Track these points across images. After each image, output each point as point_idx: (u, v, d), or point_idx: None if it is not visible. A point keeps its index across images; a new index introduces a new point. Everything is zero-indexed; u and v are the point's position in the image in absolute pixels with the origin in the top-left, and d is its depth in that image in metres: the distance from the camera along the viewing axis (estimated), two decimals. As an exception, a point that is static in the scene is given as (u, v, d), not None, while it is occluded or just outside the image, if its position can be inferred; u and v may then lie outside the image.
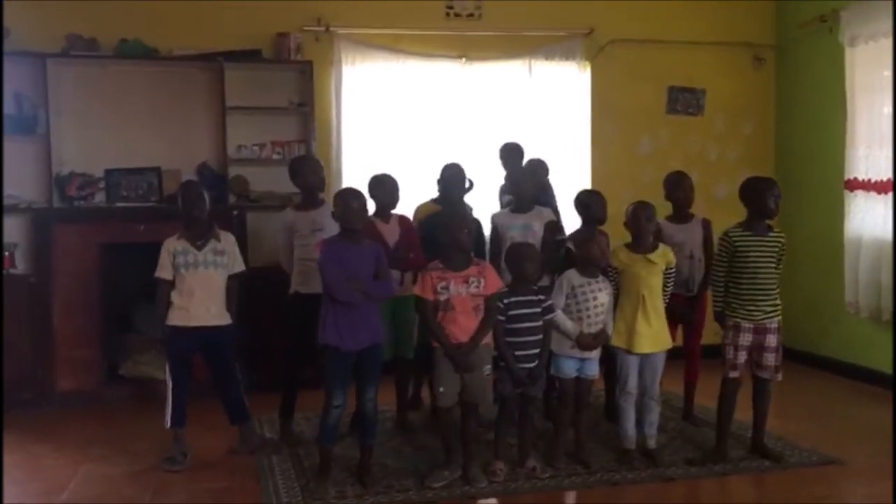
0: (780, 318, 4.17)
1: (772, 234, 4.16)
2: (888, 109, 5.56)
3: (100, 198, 5.63)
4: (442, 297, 3.84)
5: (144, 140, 5.77)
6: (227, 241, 4.36)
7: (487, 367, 3.93)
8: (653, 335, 4.14)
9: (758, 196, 4.12)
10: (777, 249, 4.15)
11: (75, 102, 5.64)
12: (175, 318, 4.22)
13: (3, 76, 5.14)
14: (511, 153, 5.34)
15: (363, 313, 3.86)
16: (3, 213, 5.17)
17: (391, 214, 4.59)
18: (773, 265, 4.14)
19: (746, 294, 4.13)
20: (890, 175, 5.48)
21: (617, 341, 4.17)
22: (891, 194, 5.47)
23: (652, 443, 4.25)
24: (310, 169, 4.60)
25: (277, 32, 5.89)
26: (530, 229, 4.61)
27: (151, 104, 5.79)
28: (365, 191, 4.55)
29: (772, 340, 4.14)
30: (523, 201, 4.70)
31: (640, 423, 4.25)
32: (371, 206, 4.56)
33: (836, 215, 5.92)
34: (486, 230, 4.83)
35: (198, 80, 5.85)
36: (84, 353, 5.38)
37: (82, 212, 5.47)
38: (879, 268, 5.53)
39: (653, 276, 4.16)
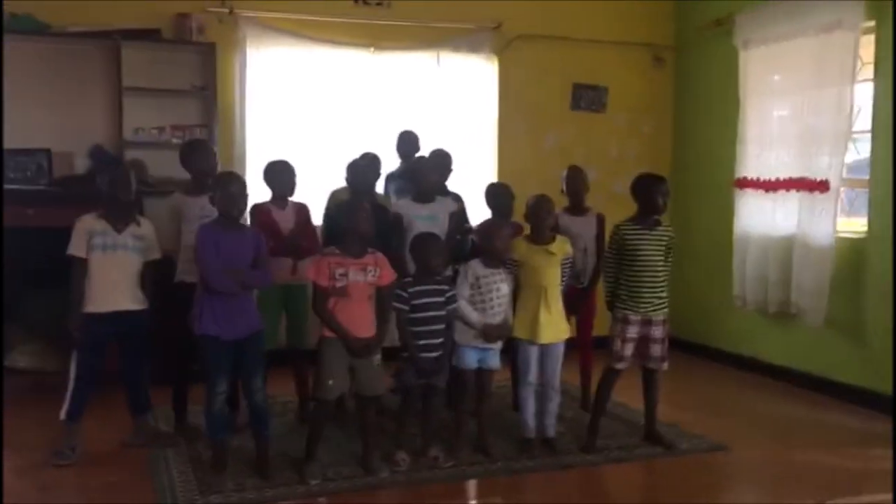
0: (666, 310, 4.32)
1: (660, 228, 4.30)
2: (777, 113, 5.83)
3: (-17, 179, 5.33)
4: (339, 284, 3.79)
5: (34, 120, 5.49)
6: (147, 226, 4.23)
7: (377, 357, 3.91)
8: (554, 325, 4.22)
9: (647, 192, 4.26)
10: (665, 243, 4.29)
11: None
12: (90, 304, 4.05)
13: (3, 66, 4.94)
14: (405, 142, 5.36)
15: (241, 302, 3.80)
16: (3, 203, 4.86)
17: (287, 201, 4.52)
18: (662, 259, 4.28)
19: (634, 286, 4.26)
20: (777, 175, 5.75)
21: (520, 333, 4.23)
22: (781, 192, 5.72)
23: (551, 431, 4.34)
24: (201, 154, 4.48)
25: (178, 12, 5.71)
26: (436, 219, 4.63)
27: (43, 82, 5.53)
28: (261, 177, 4.50)
29: (657, 332, 4.29)
30: (427, 191, 4.71)
31: (540, 412, 4.33)
32: (267, 193, 4.51)
33: (727, 212, 6.18)
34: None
35: (93, 59, 5.61)
36: (-36, 343, 5.10)
37: (-36, 194, 5.17)
38: (766, 264, 5.79)
39: (552, 268, 4.25)
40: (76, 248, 4.06)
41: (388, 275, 3.91)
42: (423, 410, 4.16)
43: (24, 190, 5.26)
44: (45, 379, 5.14)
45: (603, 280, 4.46)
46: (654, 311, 4.26)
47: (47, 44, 5.51)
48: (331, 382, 3.83)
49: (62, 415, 4.09)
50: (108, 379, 4.21)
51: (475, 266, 4.17)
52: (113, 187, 4.10)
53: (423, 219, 4.61)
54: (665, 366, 4.37)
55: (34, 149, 5.40)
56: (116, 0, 5.58)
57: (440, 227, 4.58)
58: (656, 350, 4.31)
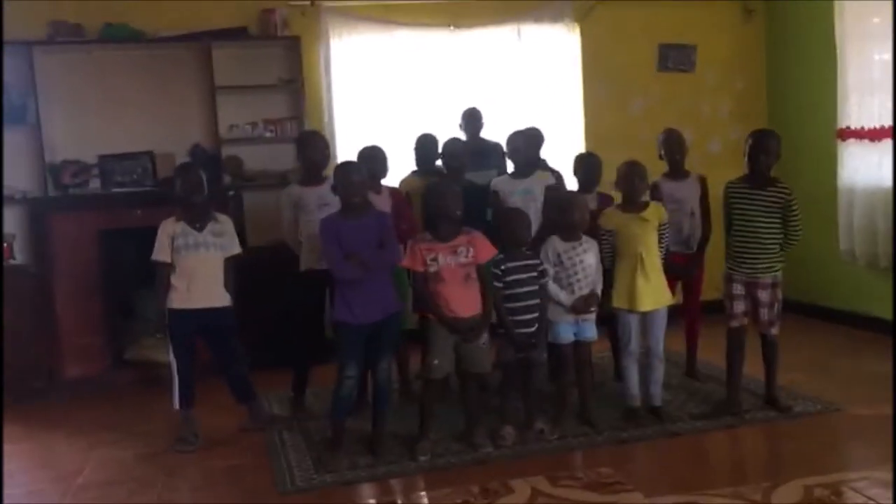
0: (776, 273, 4.18)
1: (772, 188, 4.13)
2: (879, 56, 5.55)
3: (94, 184, 5.62)
4: (431, 269, 3.83)
5: (135, 124, 5.75)
6: (225, 223, 4.36)
7: (484, 336, 3.94)
8: (653, 292, 4.16)
9: (750, 149, 4.13)
10: (779, 204, 4.11)
11: (64, 89, 5.61)
12: (176, 301, 4.23)
13: (3, 70, 5.13)
14: (470, 119, 5.32)
15: (373, 287, 3.86)
16: (2, 204, 5.17)
17: (382, 186, 4.58)
18: (771, 220, 4.12)
19: (739, 247, 4.16)
20: (882, 122, 5.48)
21: (618, 302, 4.19)
22: (886, 141, 5.47)
23: (657, 400, 4.29)
24: (316, 146, 4.59)
25: (263, 9, 5.85)
26: (531, 194, 4.62)
27: (140, 87, 5.77)
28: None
29: (763, 296, 4.17)
30: (524, 166, 4.70)
31: (645, 381, 4.29)
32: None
33: (830, 165, 5.93)
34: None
35: (185, 61, 5.82)
36: (89, 340, 5.41)
37: (78, 199, 5.47)
38: (874, 215, 5.54)
39: (648, 234, 4.18)
40: (160, 253, 4.22)
41: (485, 253, 3.91)
42: (523, 385, 4.17)
43: (131, 193, 5.53)
44: (163, 370, 5.40)
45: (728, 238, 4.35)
46: (760, 273, 4.14)
47: (142, 50, 5.75)
48: (436, 362, 3.90)
49: (174, 404, 4.30)
50: (217, 368, 4.40)
51: (555, 243, 4.12)
52: (185, 190, 4.22)
53: (519, 194, 4.62)
54: (774, 330, 4.25)
55: (138, 152, 5.66)
56: (204, 2, 5.77)
57: (536, 202, 4.57)
58: (763, 314, 4.20)
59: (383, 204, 4.50)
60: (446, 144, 4.88)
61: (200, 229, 4.24)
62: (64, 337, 5.37)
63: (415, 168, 5.05)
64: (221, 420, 4.54)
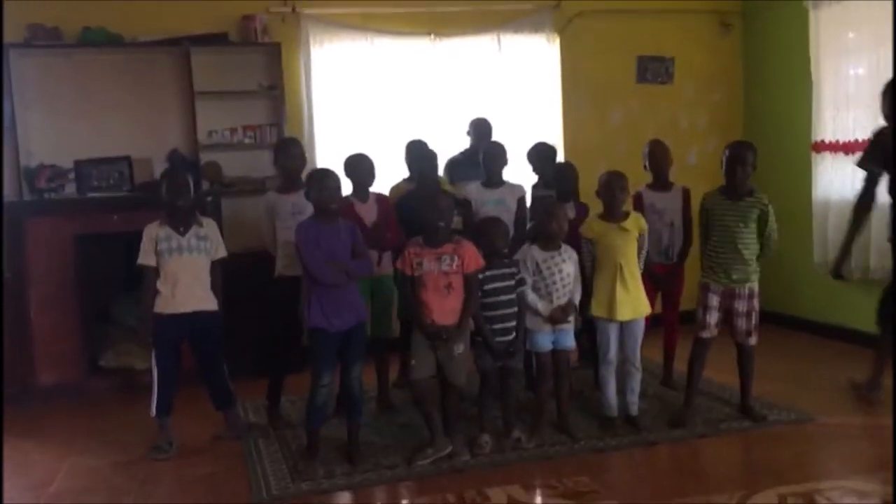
0: (752, 284, 4.23)
1: (749, 199, 4.19)
2: (853, 71, 5.63)
3: (70, 189, 5.56)
4: (416, 273, 3.88)
5: (113, 129, 5.71)
6: (210, 226, 4.35)
7: (460, 346, 3.94)
8: (632, 302, 4.19)
9: (727, 161, 4.18)
10: (755, 214, 4.17)
11: (41, 93, 5.57)
12: (161, 306, 4.20)
13: (3, 73, 5.13)
14: (479, 127, 5.36)
15: (346, 293, 3.89)
16: (3, 210, 5.11)
17: (369, 193, 4.58)
18: (747, 231, 4.17)
19: (715, 256, 4.21)
20: (856, 136, 5.56)
21: (598, 311, 4.21)
22: (860, 154, 5.52)
23: (634, 409, 4.32)
24: (292, 153, 4.58)
25: (243, 15, 5.84)
26: (503, 204, 4.64)
27: (119, 92, 5.73)
28: (341, 171, 4.57)
29: (741, 306, 4.22)
30: (494, 176, 4.72)
31: (622, 390, 4.31)
32: (348, 187, 4.59)
33: (805, 177, 6.01)
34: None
35: (164, 66, 5.79)
36: (63, 346, 5.34)
37: (54, 204, 5.42)
38: (846, 228, 5.59)
39: (628, 244, 4.21)
40: (145, 257, 4.20)
41: (473, 263, 3.93)
42: (501, 393, 4.18)
43: (108, 197, 5.49)
44: (139, 377, 5.37)
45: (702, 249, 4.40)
46: (737, 284, 4.19)
47: (120, 54, 5.71)
48: (413, 362, 3.94)
49: (152, 411, 4.26)
50: (197, 375, 4.37)
51: (534, 252, 4.15)
52: (171, 194, 4.21)
53: (492, 203, 4.63)
54: (752, 341, 4.29)
55: (115, 157, 5.62)
56: (184, 7, 5.74)
57: (508, 212, 4.59)
58: (741, 324, 4.24)
59: (369, 212, 4.50)
60: (411, 147, 4.88)
61: (184, 233, 4.22)
62: (38, 343, 5.30)
63: (407, 175, 5.02)
64: (197, 428, 4.51)
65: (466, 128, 5.53)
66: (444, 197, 4.06)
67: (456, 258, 3.89)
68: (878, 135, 4.50)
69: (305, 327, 3.91)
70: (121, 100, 5.73)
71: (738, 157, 4.15)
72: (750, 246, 4.19)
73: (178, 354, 4.27)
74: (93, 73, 5.68)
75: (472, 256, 3.93)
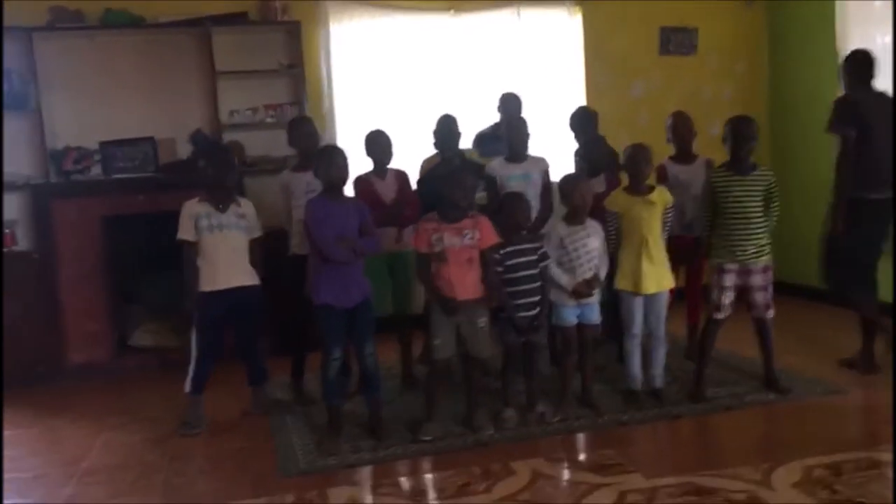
0: (767, 258, 4.20)
1: (756, 173, 4.16)
2: (881, 40, 5.53)
3: (96, 171, 5.62)
4: (436, 249, 3.87)
5: (136, 110, 5.75)
6: (247, 206, 4.39)
7: (483, 320, 3.96)
8: (657, 275, 4.18)
9: (732, 136, 4.15)
10: (763, 188, 4.15)
11: (65, 75, 5.61)
12: (204, 283, 4.22)
13: (2, 56, 5.14)
14: (508, 102, 5.33)
15: (353, 270, 3.91)
16: (2, 190, 5.18)
17: (387, 170, 4.59)
18: (758, 205, 4.15)
19: (729, 235, 4.17)
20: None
21: (623, 284, 4.21)
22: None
23: (659, 382, 4.32)
24: (305, 131, 4.60)
25: (263, -6, 5.84)
26: (529, 178, 4.62)
27: (141, 73, 5.77)
28: (361, 148, 4.58)
29: (758, 280, 4.19)
30: (518, 151, 4.70)
31: (646, 363, 4.31)
32: (368, 164, 4.60)
33: (829, 150, 5.90)
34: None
35: (186, 47, 5.82)
36: (93, 325, 5.44)
37: (80, 185, 5.48)
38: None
39: (653, 218, 4.19)
40: (185, 233, 4.22)
41: (489, 238, 3.93)
42: (525, 368, 4.20)
43: (133, 178, 5.54)
44: (167, 355, 5.45)
45: (701, 228, 4.37)
46: (752, 259, 4.16)
47: (142, 35, 5.75)
48: (437, 342, 3.94)
49: (186, 388, 4.31)
50: (226, 352, 4.42)
51: (558, 227, 4.14)
52: (219, 171, 4.24)
53: (517, 178, 4.61)
54: (770, 313, 4.27)
55: (139, 138, 5.66)
56: (203, -13, 5.77)
57: (534, 186, 4.57)
58: (759, 298, 4.22)
59: (388, 189, 4.51)
60: (437, 122, 4.85)
61: (223, 210, 4.25)
62: (68, 323, 5.40)
63: (435, 150, 5.01)
64: (225, 404, 4.57)
65: (495, 102, 5.46)
66: (469, 175, 4.04)
67: (476, 232, 3.90)
68: (842, 100, 4.49)
69: (313, 304, 3.94)
70: (143, 81, 5.77)
71: (748, 132, 4.12)
72: (761, 219, 4.17)
73: (220, 332, 4.30)
74: (115, 54, 5.72)
75: (490, 231, 3.94)
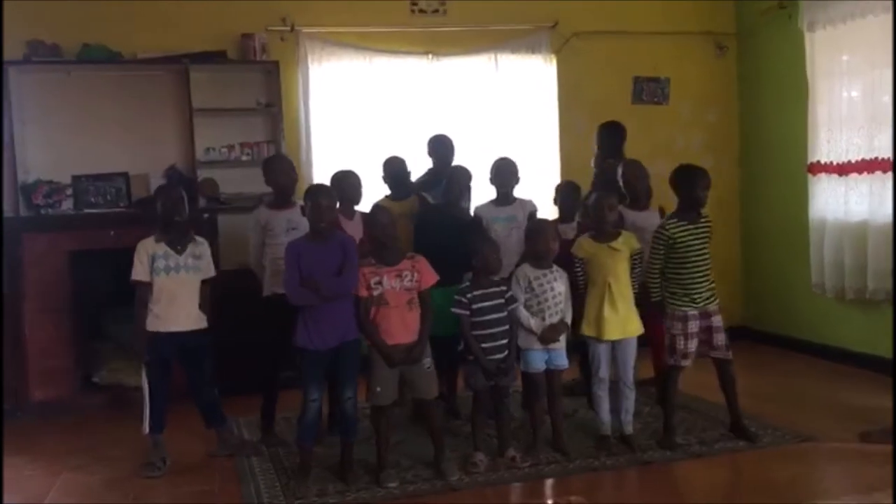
0: (718, 299, 4.28)
1: (702, 220, 4.25)
2: (847, 93, 5.68)
3: (67, 205, 5.56)
4: (375, 292, 3.84)
5: (111, 145, 5.73)
6: (202, 245, 4.34)
7: (427, 361, 3.94)
8: (621, 322, 4.20)
9: (688, 185, 4.21)
10: (708, 234, 4.26)
11: (39, 109, 5.58)
12: (154, 324, 4.18)
13: (2, 56, 5.14)
14: (437, 145, 5.29)
15: (332, 312, 3.85)
16: (2, 226, 5.13)
17: (355, 211, 4.58)
18: (707, 250, 4.24)
19: (689, 282, 4.20)
20: (849, 157, 5.60)
21: (587, 330, 4.22)
22: (853, 176, 5.58)
23: (629, 428, 4.31)
24: (281, 169, 4.59)
25: (242, 33, 5.87)
26: (515, 220, 4.65)
27: (117, 108, 5.75)
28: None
29: (717, 321, 4.24)
30: (504, 194, 4.74)
31: (616, 409, 4.30)
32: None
33: (801, 198, 6.03)
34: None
35: (163, 83, 5.82)
36: (57, 362, 5.33)
37: (50, 219, 5.41)
38: (842, 248, 5.64)
39: (617, 264, 4.22)
40: (140, 273, 4.17)
41: (428, 278, 3.93)
42: (495, 412, 4.17)
43: (104, 213, 5.49)
44: (130, 394, 5.34)
45: (647, 279, 4.33)
46: (709, 301, 4.23)
47: (120, 71, 5.75)
48: (378, 389, 3.88)
49: (144, 429, 4.24)
50: (188, 392, 4.36)
51: (526, 269, 4.16)
52: (167, 209, 4.20)
53: (503, 220, 4.64)
54: (730, 354, 4.30)
55: (113, 173, 5.63)
56: (183, 25, 5.78)
57: (519, 228, 4.59)
58: (720, 339, 4.25)
59: (355, 230, 4.49)
60: (452, 172, 4.87)
61: (181, 251, 4.21)
62: (32, 358, 5.29)
63: (388, 192, 5.03)
64: (190, 445, 4.49)
65: (477, 145, 5.47)
66: (383, 211, 4.03)
67: (415, 274, 3.89)
68: None
69: (293, 346, 3.90)
70: (119, 116, 5.75)
71: (703, 182, 4.20)
72: (710, 264, 4.26)
73: (169, 372, 4.26)
74: (92, 89, 5.71)
75: (428, 271, 3.94)
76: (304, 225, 4.02)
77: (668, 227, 4.21)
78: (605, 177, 5.00)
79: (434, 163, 5.24)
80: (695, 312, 4.20)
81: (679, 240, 4.18)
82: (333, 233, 3.95)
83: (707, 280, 4.23)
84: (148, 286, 4.18)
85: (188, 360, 4.29)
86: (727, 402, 4.39)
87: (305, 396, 3.88)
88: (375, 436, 4.00)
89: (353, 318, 3.94)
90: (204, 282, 4.32)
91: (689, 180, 4.21)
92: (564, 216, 4.90)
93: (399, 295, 3.86)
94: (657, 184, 4.99)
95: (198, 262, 4.26)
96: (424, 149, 5.47)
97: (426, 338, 3.94)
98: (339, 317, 3.89)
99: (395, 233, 3.92)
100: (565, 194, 4.92)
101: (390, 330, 3.85)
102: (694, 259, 4.19)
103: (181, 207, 4.23)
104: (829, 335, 6.01)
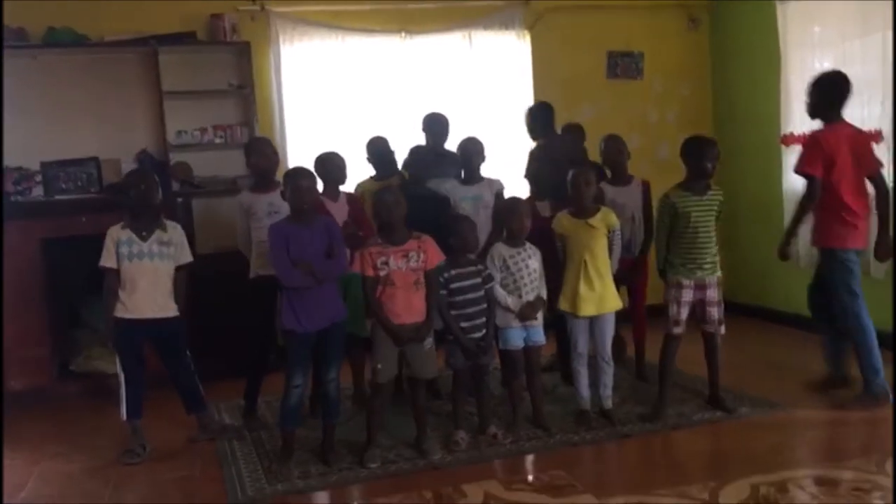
0: (719, 273, 4.29)
1: (710, 192, 4.25)
2: (819, 64, 5.70)
3: (38, 192, 5.48)
4: (382, 273, 3.83)
5: (81, 130, 5.66)
6: (175, 231, 4.29)
7: (429, 341, 3.95)
8: (597, 298, 4.22)
9: (696, 156, 4.21)
10: (716, 207, 4.25)
11: (6, 95, 5.46)
12: (120, 311, 4.15)
13: (3, 74, 5.09)
14: (433, 124, 5.29)
15: (319, 294, 3.84)
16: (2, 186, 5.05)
17: (339, 192, 4.56)
18: (712, 223, 4.25)
19: (687, 253, 4.23)
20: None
21: (563, 305, 4.25)
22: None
23: (608, 402, 4.34)
24: (262, 152, 4.55)
25: (212, 13, 5.80)
26: (481, 199, 4.65)
27: (86, 93, 5.68)
28: (312, 169, 4.54)
29: (713, 295, 4.27)
30: (471, 172, 4.72)
31: (594, 384, 4.34)
32: (319, 185, 4.55)
33: (774, 170, 6.07)
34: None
35: (132, 66, 5.74)
36: (33, 351, 5.26)
37: (20, 207, 5.33)
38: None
39: (595, 241, 4.23)
40: (107, 260, 4.14)
41: (434, 258, 3.93)
42: (475, 390, 4.19)
43: (75, 199, 5.41)
44: (107, 381, 5.30)
45: (655, 248, 4.41)
46: (708, 274, 4.25)
47: (87, 54, 5.65)
48: (379, 366, 3.89)
49: (122, 415, 4.22)
50: (168, 379, 4.34)
51: (500, 248, 4.17)
52: (140, 195, 4.15)
53: (470, 199, 4.65)
54: (722, 330, 4.35)
55: (83, 158, 5.54)
56: (151, 6, 5.69)
57: (486, 208, 4.59)
58: (713, 313, 4.29)
59: (340, 211, 4.47)
60: (411, 151, 4.87)
61: (146, 238, 4.17)
62: (7, 348, 5.23)
63: (373, 173, 5.00)
64: (171, 432, 4.47)
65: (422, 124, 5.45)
66: (391, 191, 4.02)
67: (422, 254, 3.88)
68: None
69: (279, 328, 3.89)
70: (88, 101, 5.68)
71: (710, 153, 4.20)
72: (714, 237, 4.27)
73: (140, 357, 4.23)
74: (59, 73, 5.62)
75: (435, 251, 3.93)
76: (285, 207, 3.99)
77: (671, 196, 4.23)
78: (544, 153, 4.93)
79: (428, 140, 5.21)
80: (689, 282, 4.23)
81: (681, 210, 4.19)
82: (315, 215, 3.93)
83: (707, 253, 4.23)
84: (114, 272, 4.14)
85: (161, 348, 4.27)
86: (709, 375, 4.43)
87: (289, 381, 3.87)
88: (369, 414, 4.01)
89: (338, 299, 3.95)
90: (179, 268, 4.28)
91: (697, 151, 4.21)
92: (539, 193, 4.89)
93: (405, 275, 3.84)
94: (633, 159, 5.02)
95: (165, 248, 4.21)
96: (399, 127, 5.45)
97: (433, 318, 3.94)
98: (326, 298, 3.88)
99: (402, 212, 3.87)
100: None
101: (395, 310, 3.84)
102: (694, 231, 4.20)
103: (153, 193, 4.19)
104: (802, 305, 6.06)
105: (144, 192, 4.16)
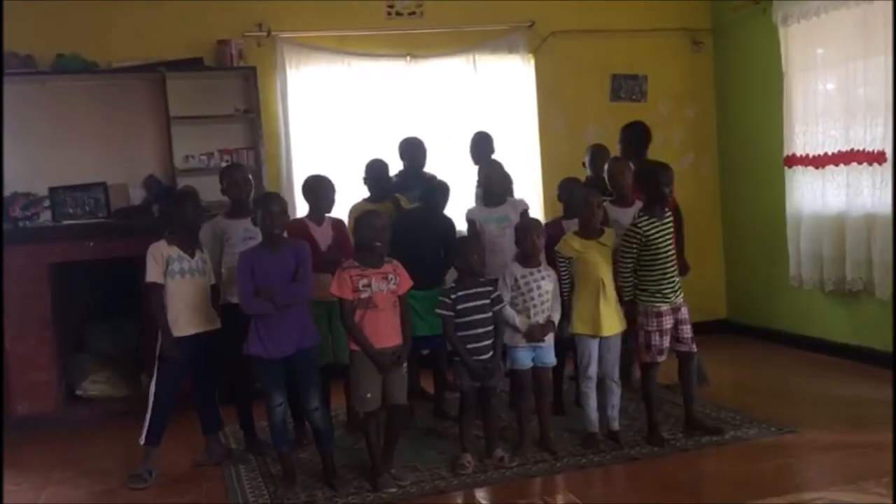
0: (682, 292, 4.30)
1: (666, 216, 4.27)
2: (822, 86, 5.73)
3: (45, 217, 5.51)
4: (363, 295, 3.80)
5: (89, 155, 5.69)
6: (205, 252, 4.36)
7: (404, 364, 3.95)
8: (612, 317, 4.22)
9: (653, 182, 4.22)
10: (672, 229, 4.28)
11: (15, 121, 5.50)
12: (175, 329, 4.13)
13: (2, 55, 5.08)
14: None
15: (286, 320, 3.83)
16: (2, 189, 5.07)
17: (324, 217, 4.55)
18: (672, 245, 4.26)
19: (662, 278, 4.21)
20: (826, 150, 5.65)
21: (581, 328, 4.23)
22: (830, 168, 5.63)
23: (615, 424, 4.33)
24: (234, 179, 4.54)
25: (218, 39, 5.84)
26: (507, 220, 4.67)
27: (94, 118, 5.71)
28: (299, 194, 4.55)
29: (685, 314, 4.28)
30: (495, 194, 4.76)
31: (602, 406, 4.32)
32: (305, 209, 4.56)
33: (778, 192, 6.08)
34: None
35: (140, 92, 5.78)
36: (39, 375, 5.28)
37: (28, 232, 5.36)
38: (820, 240, 5.69)
39: (607, 260, 4.24)
40: (154, 275, 4.13)
41: (407, 281, 3.93)
42: (482, 412, 4.18)
43: (83, 224, 5.44)
44: (114, 406, 5.31)
45: (619, 279, 4.29)
46: (679, 295, 4.26)
47: (95, 81, 5.70)
48: (369, 395, 3.84)
49: (142, 439, 4.19)
50: (188, 400, 4.33)
51: (513, 268, 4.17)
52: (185, 215, 4.20)
53: (494, 221, 4.68)
54: (695, 346, 4.33)
55: (91, 183, 5.58)
56: (158, 33, 5.75)
57: (513, 227, 4.58)
58: (687, 332, 4.28)
59: (324, 235, 4.46)
60: (430, 179, 4.90)
61: (192, 255, 4.22)
62: (14, 372, 5.23)
63: (367, 194, 5.01)
64: (177, 456, 4.46)
65: (452, 147, 5.48)
66: (379, 215, 4.01)
67: (396, 277, 3.89)
68: None
69: (243, 354, 3.88)
70: (96, 126, 5.71)
71: (667, 179, 4.19)
72: (674, 258, 4.28)
73: (183, 378, 4.21)
74: (67, 99, 5.66)
75: (405, 276, 3.94)
76: (259, 233, 4.00)
77: (640, 224, 4.19)
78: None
79: (405, 165, 5.24)
80: (668, 308, 4.22)
81: (651, 237, 4.18)
82: (286, 240, 3.95)
83: (675, 276, 4.26)
84: (161, 288, 4.14)
85: (199, 363, 4.25)
86: (684, 395, 4.40)
87: (268, 403, 3.87)
88: (367, 444, 3.95)
89: (308, 325, 3.94)
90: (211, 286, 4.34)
91: (653, 177, 4.23)
92: (568, 213, 4.87)
93: (387, 297, 3.84)
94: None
95: (205, 265, 4.28)
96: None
97: (409, 339, 3.95)
98: (294, 324, 3.86)
99: (388, 237, 3.87)
100: (569, 191, 4.89)
101: (380, 332, 3.82)
102: (664, 255, 4.20)
103: (199, 213, 4.29)
104: (809, 326, 6.06)
105: (192, 213, 4.21)
